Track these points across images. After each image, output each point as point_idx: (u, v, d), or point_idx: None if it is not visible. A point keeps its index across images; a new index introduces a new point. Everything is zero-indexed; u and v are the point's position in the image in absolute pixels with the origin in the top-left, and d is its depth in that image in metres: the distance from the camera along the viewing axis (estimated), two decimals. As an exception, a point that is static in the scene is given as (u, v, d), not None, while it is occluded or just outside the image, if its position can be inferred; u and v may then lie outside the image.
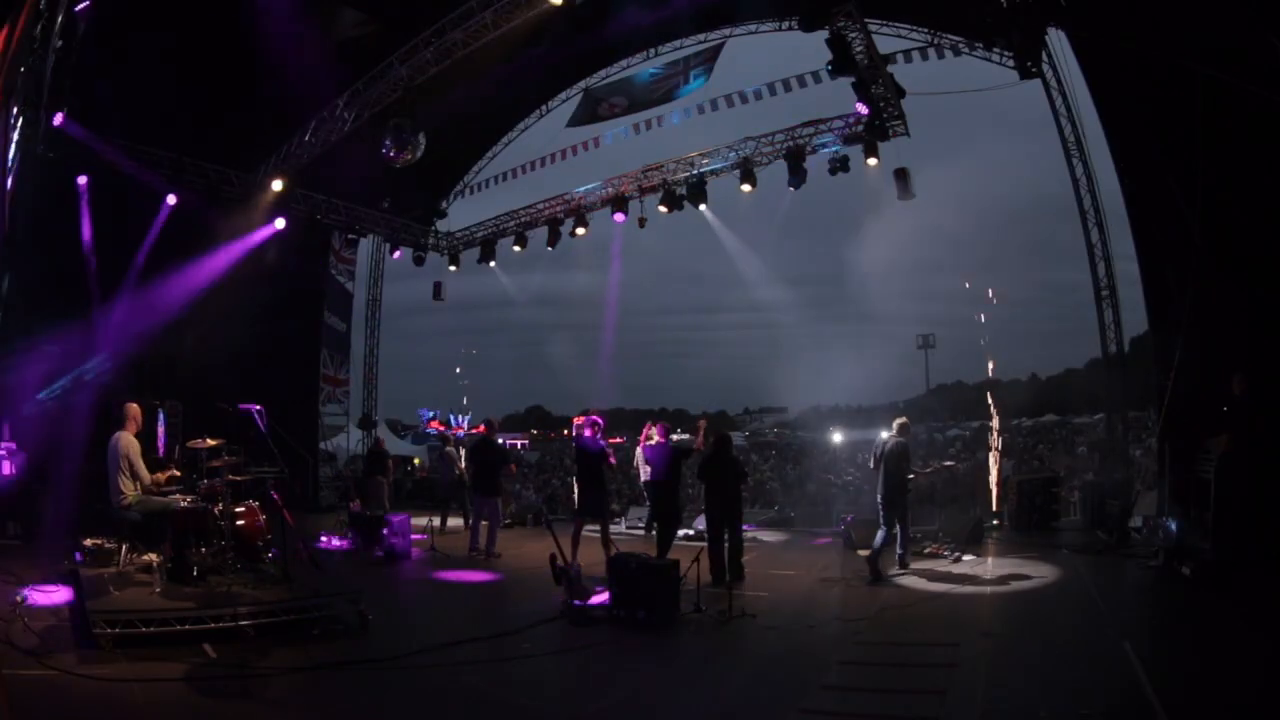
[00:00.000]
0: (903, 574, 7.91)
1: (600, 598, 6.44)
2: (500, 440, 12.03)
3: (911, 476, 8.41)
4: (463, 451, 12.21)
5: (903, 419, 8.53)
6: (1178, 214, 8.00)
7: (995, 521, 10.95)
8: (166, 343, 11.87)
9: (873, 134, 11.62)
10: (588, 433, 8.80)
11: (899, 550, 8.10)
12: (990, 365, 11.60)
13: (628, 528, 11.72)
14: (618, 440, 19.75)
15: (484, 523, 9.64)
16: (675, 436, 10.92)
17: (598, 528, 8.20)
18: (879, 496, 8.12)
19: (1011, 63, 10.99)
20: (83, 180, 11.00)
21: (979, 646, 5.34)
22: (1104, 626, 5.74)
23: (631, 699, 4.68)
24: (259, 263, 13.33)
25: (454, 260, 16.98)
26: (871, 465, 8.49)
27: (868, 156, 11.84)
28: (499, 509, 10.01)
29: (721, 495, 8.05)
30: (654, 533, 10.80)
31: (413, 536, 9.60)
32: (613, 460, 8.94)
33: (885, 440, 8.30)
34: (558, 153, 14.97)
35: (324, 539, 10.08)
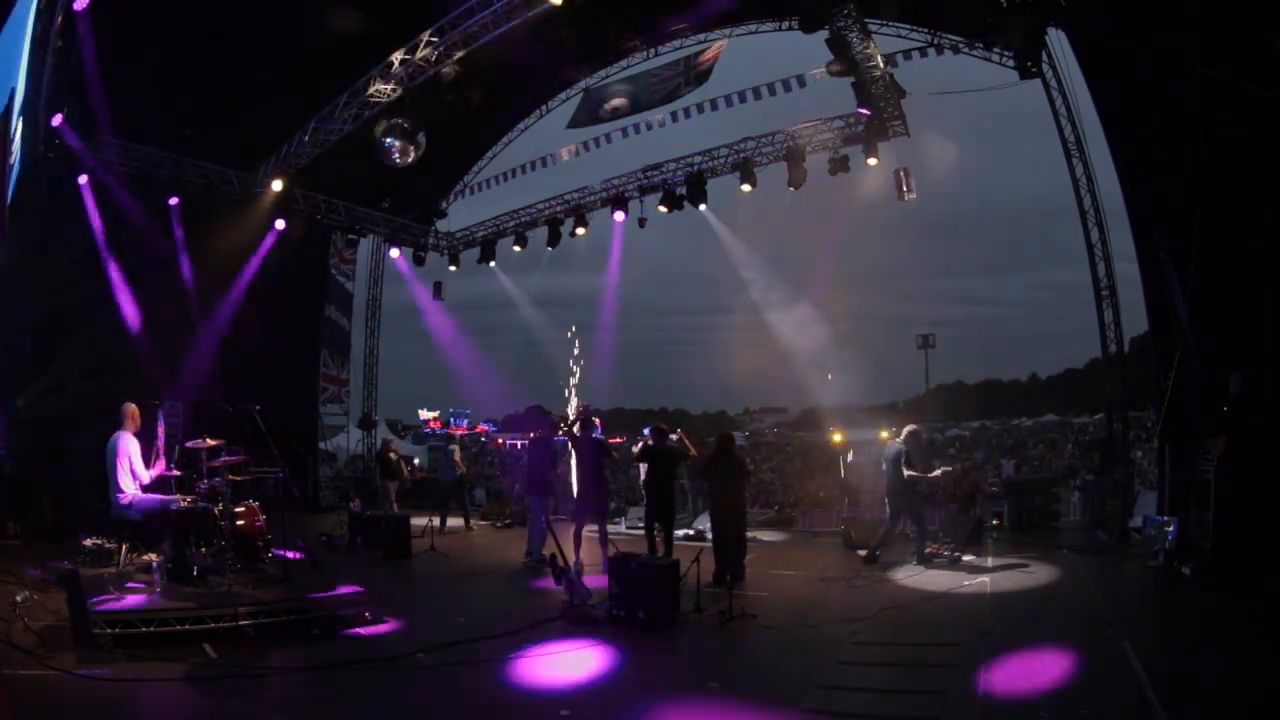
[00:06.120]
0: (914, 570, 8.15)
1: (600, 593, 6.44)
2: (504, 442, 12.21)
3: (910, 476, 8.63)
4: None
5: (911, 426, 9.01)
6: (1177, 214, 8.00)
7: (995, 521, 10.96)
8: (166, 343, 11.87)
9: (873, 134, 11.62)
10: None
11: (915, 547, 8.56)
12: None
13: (628, 528, 11.70)
14: (618, 440, 19.73)
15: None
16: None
17: (596, 528, 8.16)
18: (885, 496, 8.78)
19: (1011, 63, 10.98)
20: (83, 180, 10.98)
21: (979, 646, 5.34)
22: (1104, 626, 5.74)
23: (631, 699, 4.68)
24: (259, 263, 13.31)
25: (454, 260, 16.98)
26: (883, 467, 8.94)
27: (868, 156, 11.85)
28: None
29: (726, 494, 8.07)
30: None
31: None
32: (614, 455, 8.89)
33: (890, 445, 8.90)
34: (558, 153, 14.96)
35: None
